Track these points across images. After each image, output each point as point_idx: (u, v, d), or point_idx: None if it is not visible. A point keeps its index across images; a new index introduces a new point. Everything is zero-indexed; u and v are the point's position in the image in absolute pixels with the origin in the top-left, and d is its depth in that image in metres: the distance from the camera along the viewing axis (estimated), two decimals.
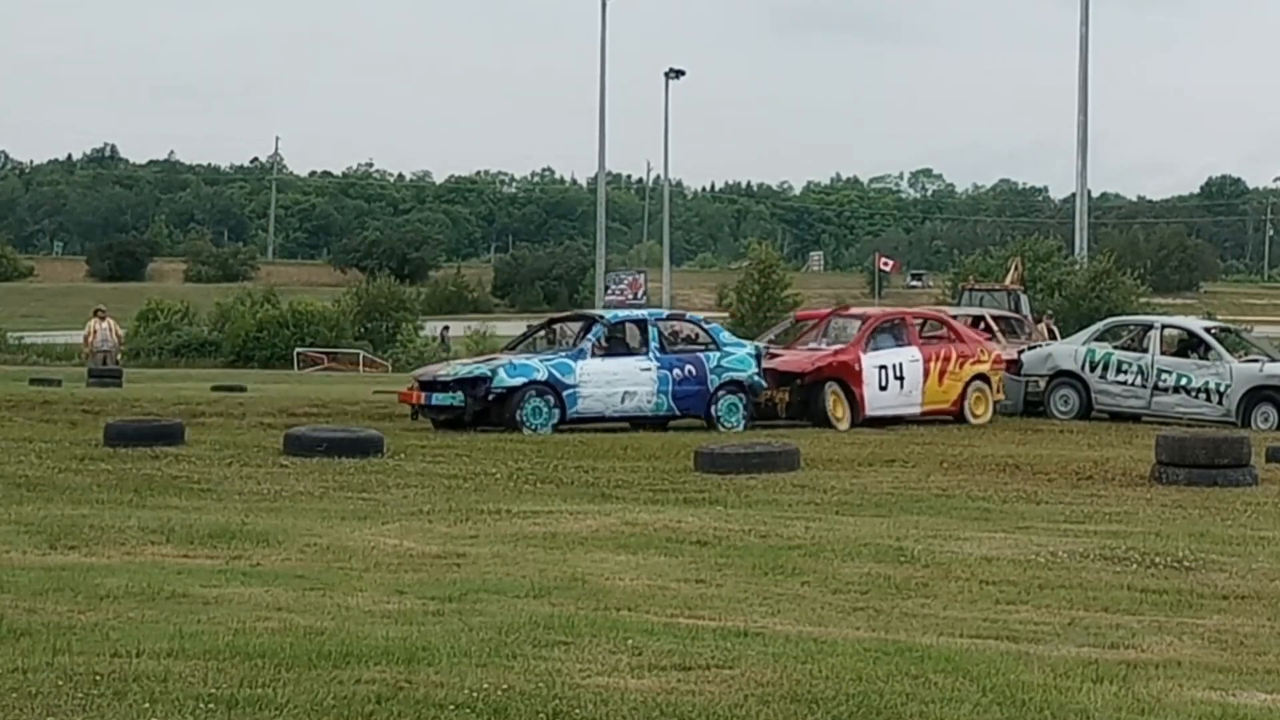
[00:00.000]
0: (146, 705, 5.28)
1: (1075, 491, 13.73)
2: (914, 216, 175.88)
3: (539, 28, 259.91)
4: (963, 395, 21.79)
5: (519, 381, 19.22)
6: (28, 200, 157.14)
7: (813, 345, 22.04)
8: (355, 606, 7.38)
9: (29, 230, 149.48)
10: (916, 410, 21.46)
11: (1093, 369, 22.91)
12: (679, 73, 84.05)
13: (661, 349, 20.45)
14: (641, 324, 20.91)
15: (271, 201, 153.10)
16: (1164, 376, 22.41)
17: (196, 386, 29.91)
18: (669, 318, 23.05)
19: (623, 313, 23.39)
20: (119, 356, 35.52)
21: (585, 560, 9.05)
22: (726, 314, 61.63)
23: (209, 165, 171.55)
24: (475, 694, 5.49)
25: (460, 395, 19.19)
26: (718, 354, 20.46)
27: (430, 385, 19.70)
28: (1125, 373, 22.67)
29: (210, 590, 7.74)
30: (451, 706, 5.35)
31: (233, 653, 6.07)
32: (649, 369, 20.04)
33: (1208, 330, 23.96)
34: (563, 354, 20.01)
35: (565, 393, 19.40)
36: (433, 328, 64.49)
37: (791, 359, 21.25)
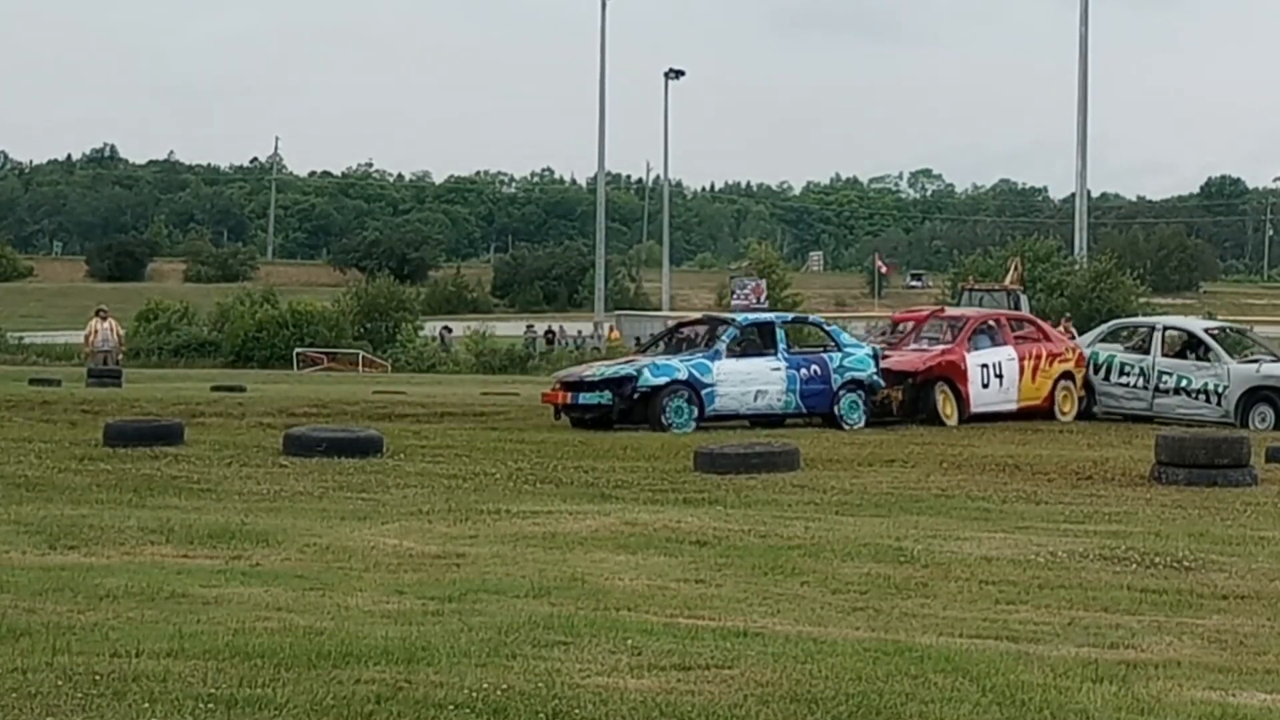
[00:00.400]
0: (146, 705, 5.28)
1: (1075, 491, 13.72)
2: (914, 216, 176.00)
3: (539, 28, 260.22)
4: (1052, 392, 22.52)
5: (662, 381, 19.90)
6: (27, 200, 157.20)
7: (915, 346, 22.62)
8: (355, 606, 7.38)
9: (29, 230, 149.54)
10: (1013, 407, 22.17)
11: (1096, 370, 23.03)
12: (679, 73, 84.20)
13: (788, 350, 21.15)
14: (769, 326, 21.64)
15: (271, 201, 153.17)
16: (1164, 378, 22.46)
17: (196, 386, 29.91)
18: (793, 320, 23.63)
19: (752, 315, 24.19)
20: (119, 357, 35.47)
21: (585, 560, 9.05)
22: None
23: (209, 165, 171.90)
24: (475, 694, 5.49)
25: (608, 394, 19.83)
26: (839, 354, 21.17)
27: (576, 386, 20.32)
28: (1128, 374, 22.79)
29: (210, 590, 7.73)
30: (451, 706, 5.35)
31: (232, 653, 6.06)
32: (779, 369, 20.71)
33: (1208, 331, 23.92)
34: (700, 354, 20.64)
35: (704, 391, 20.09)
36: (432, 328, 64.50)
37: (903, 359, 21.86)
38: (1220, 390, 21.99)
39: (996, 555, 9.43)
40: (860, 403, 20.98)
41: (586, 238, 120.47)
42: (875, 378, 21.12)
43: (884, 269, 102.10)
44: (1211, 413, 21.99)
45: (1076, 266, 57.00)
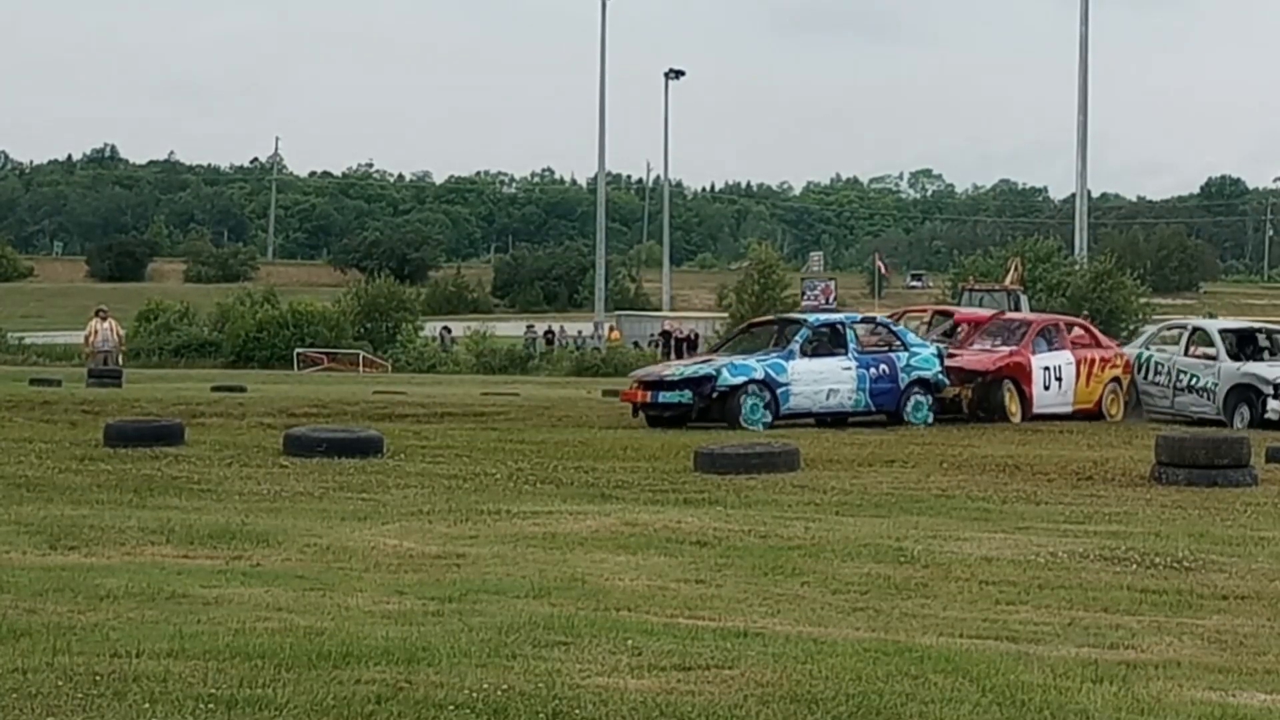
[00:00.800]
0: (146, 705, 5.28)
1: (1075, 492, 13.71)
2: (914, 217, 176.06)
3: (539, 28, 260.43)
4: (1102, 395, 23.22)
5: (740, 380, 20.33)
6: (28, 200, 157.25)
7: (980, 346, 23.26)
8: (355, 607, 7.38)
9: (29, 230, 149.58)
10: (1068, 409, 22.84)
11: (1139, 370, 23.66)
12: (679, 73, 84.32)
13: (858, 349, 21.53)
14: (840, 326, 22.05)
15: (271, 202, 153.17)
16: (1181, 376, 23.03)
17: (196, 387, 29.93)
18: (862, 320, 24.02)
19: (823, 315, 24.65)
20: (120, 357, 35.47)
21: (585, 560, 9.04)
22: (726, 314, 61.64)
23: (209, 165, 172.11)
24: (475, 694, 5.49)
25: (688, 393, 20.20)
26: (906, 354, 21.62)
27: (656, 385, 20.74)
28: (1160, 374, 23.37)
29: (210, 590, 7.73)
30: (451, 707, 5.35)
31: (233, 653, 6.06)
32: (849, 368, 21.19)
33: (1222, 330, 24.13)
34: (775, 354, 21.02)
35: (779, 390, 20.54)
36: (432, 328, 64.50)
37: (973, 359, 22.52)
38: (1213, 387, 22.34)
39: (997, 556, 9.43)
40: (926, 402, 21.46)
41: (586, 238, 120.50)
42: (940, 376, 21.63)
43: (884, 269, 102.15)
44: (1210, 410, 22.33)
45: (1077, 267, 56.94)
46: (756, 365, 20.56)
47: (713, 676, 5.91)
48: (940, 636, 6.99)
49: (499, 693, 5.51)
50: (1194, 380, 22.67)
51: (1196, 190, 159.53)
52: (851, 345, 21.44)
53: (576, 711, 5.34)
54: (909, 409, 21.24)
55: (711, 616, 7.38)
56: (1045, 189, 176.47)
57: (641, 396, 20.69)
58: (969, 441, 18.59)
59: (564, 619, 7.00)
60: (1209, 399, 22.39)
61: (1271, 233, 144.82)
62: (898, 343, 21.95)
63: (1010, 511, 12.20)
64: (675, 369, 21.44)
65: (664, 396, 20.38)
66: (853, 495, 13.15)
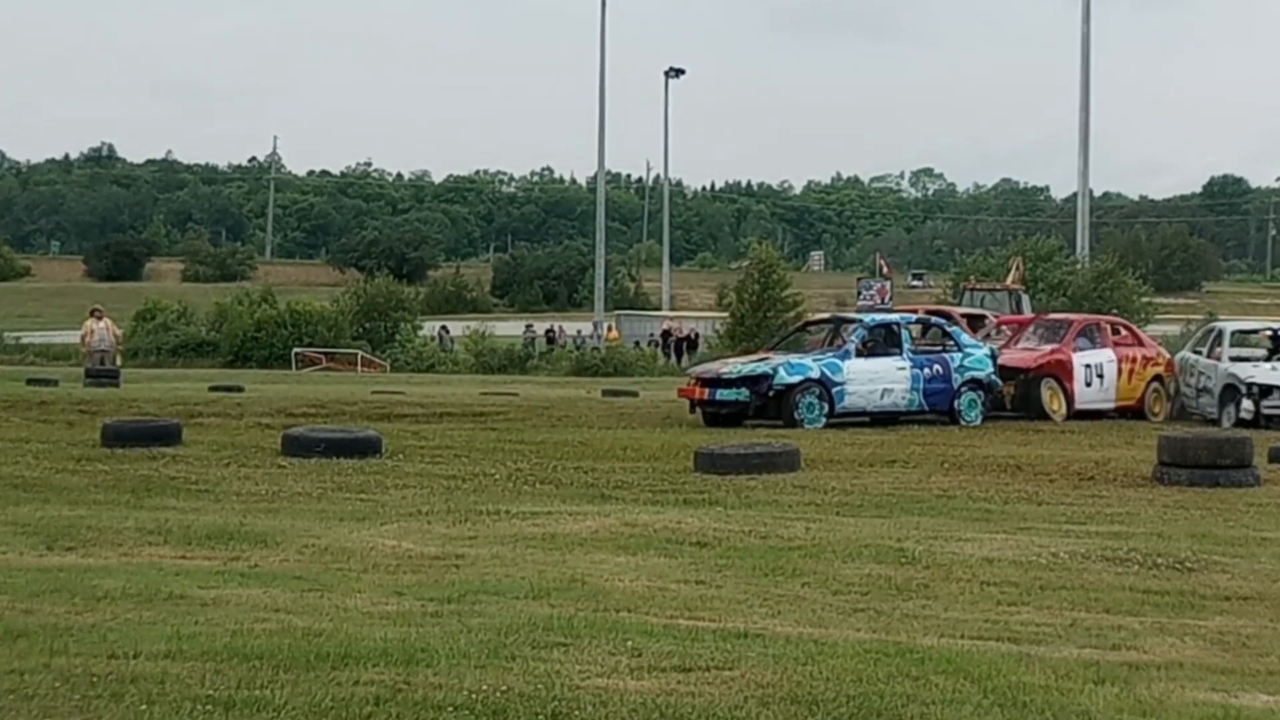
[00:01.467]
0: (144, 707, 5.26)
1: (1077, 492, 13.69)
2: (915, 216, 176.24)
3: (539, 27, 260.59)
4: (1144, 394, 23.67)
5: (796, 379, 20.60)
6: (25, 200, 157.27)
7: (1024, 345, 23.73)
8: (353, 608, 7.35)
9: (26, 230, 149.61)
10: (1111, 406, 23.30)
11: (1180, 373, 24.02)
12: (679, 72, 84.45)
13: (913, 349, 21.79)
14: (895, 326, 22.27)
15: (269, 201, 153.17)
16: (1200, 378, 23.29)
17: (194, 386, 29.90)
18: (917, 321, 24.22)
19: (878, 315, 24.89)
20: (117, 357, 35.42)
21: (584, 561, 9.02)
22: (726, 314, 61.59)
23: (207, 165, 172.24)
24: (474, 695, 5.47)
25: (745, 391, 20.44)
26: (960, 354, 21.95)
27: (714, 382, 20.96)
28: (1191, 375, 23.63)
29: (208, 591, 7.70)
30: (450, 708, 5.32)
31: (230, 654, 6.04)
32: (904, 368, 21.46)
33: (1231, 332, 24.22)
34: (831, 354, 21.29)
35: (834, 389, 20.82)
36: (431, 327, 64.42)
37: (1015, 357, 22.96)
38: (1212, 388, 22.52)
39: (998, 556, 9.40)
40: (979, 401, 21.75)
41: (586, 237, 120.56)
42: (993, 377, 21.96)
43: (885, 269, 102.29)
44: (1215, 411, 22.43)
45: (1078, 266, 56.87)
46: (813, 364, 20.80)
47: (713, 678, 5.89)
48: (941, 638, 6.96)
49: (498, 694, 5.49)
50: (1207, 381, 22.89)
51: (1199, 189, 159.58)
52: (906, 345, 21.65)
53: (576, 713, 5.32)
54: (962, 407, 21.49)
55: (711, 617, 7.35)
56: (1047, 188, 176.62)
57: (699, 394, 20.92)
58: (970, 442, 18.57)
59: (563, 620, 6.97)
60: (1212, 398, 22.57)
61: (1274, 232, 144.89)
62: (951, 343, 22.19)
63: (1012, 512, 12.17)
64: (733, 367, 21.59)
65: (721, 394, 20.60)
66: (853, 496, 13.13)
